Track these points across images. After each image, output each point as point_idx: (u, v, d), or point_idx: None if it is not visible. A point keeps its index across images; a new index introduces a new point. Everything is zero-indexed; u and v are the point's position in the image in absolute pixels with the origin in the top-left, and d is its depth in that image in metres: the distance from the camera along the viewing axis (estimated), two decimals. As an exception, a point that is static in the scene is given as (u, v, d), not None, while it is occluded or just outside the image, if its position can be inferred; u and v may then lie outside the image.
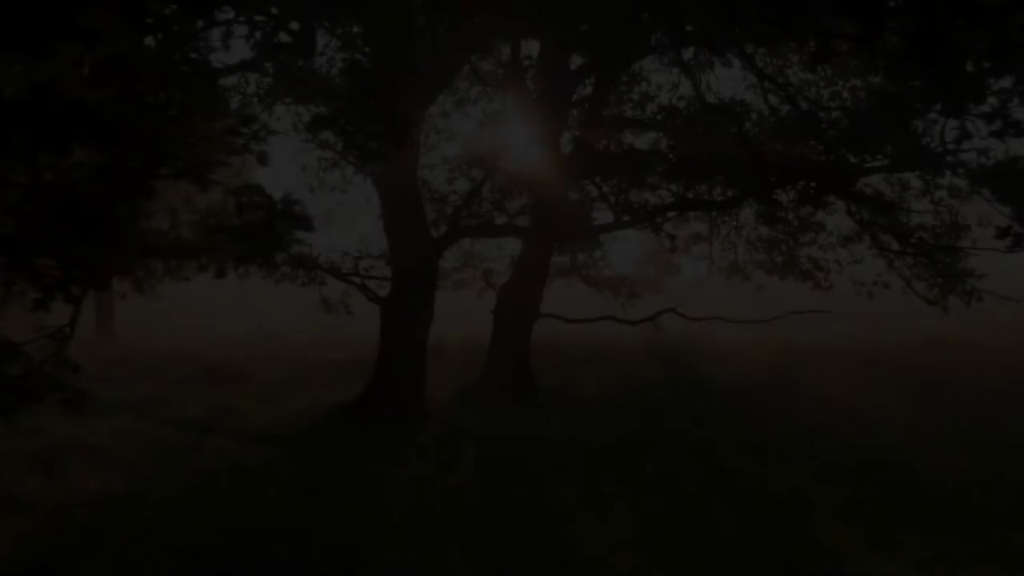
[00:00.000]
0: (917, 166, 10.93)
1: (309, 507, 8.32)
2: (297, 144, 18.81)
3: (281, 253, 2.84)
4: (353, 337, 21.14)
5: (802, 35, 2.95)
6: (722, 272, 20.58)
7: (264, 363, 18.82)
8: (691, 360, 20.44)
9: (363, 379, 14.46)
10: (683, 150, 11.78)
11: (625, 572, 6.69)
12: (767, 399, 15.59)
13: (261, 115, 15.26)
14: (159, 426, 12.50)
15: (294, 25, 5.30)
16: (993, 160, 8.08)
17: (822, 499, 9.25)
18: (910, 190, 16.42)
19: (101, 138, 2.87)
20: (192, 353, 19.46)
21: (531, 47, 16.02)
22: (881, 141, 10.04)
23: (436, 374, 18.20)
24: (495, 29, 10.67)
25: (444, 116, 19.93)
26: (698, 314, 19.08)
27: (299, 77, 9.81)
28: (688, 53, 12.16)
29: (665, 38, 8.90)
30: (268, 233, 2.72)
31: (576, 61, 16.50)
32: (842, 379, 17.72)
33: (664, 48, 10.41)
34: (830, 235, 18.09)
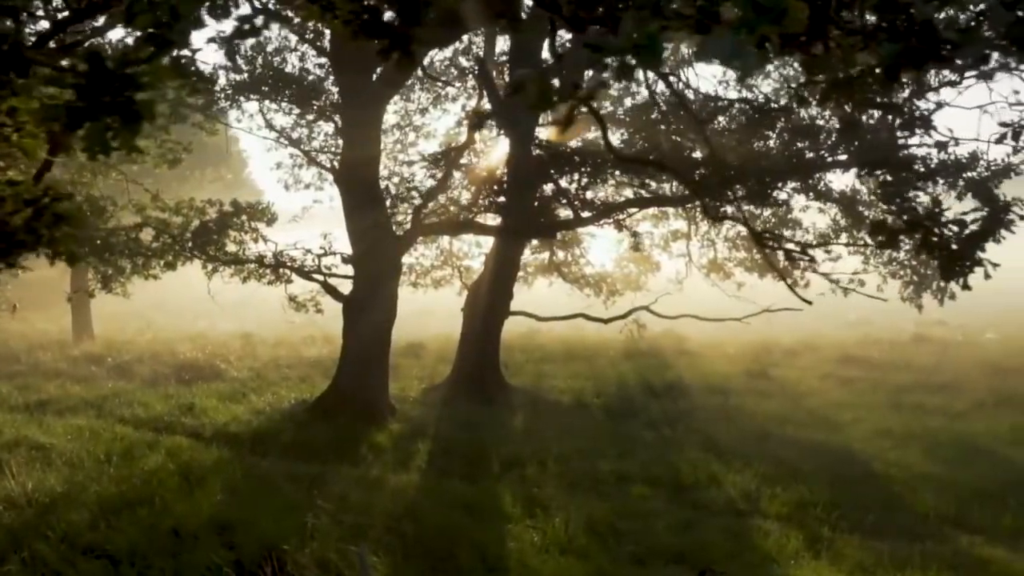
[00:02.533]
0: (874, 163, 10.74)
1: (245, 507, 8.17)
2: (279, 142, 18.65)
3: (43, 251, 2.67)
4: (331, 335, 21.03)
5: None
6: (701, 270, 20.44)
7: (238, 362, 18.72)
8: (668, 358, 20.31)
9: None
10: (642, 146, 11.61)
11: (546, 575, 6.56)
12: (739, 397, 15.45)
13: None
14: (117, 425, 12.38)
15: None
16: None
17: (771, 501, 9.13)
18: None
19: None
20: (167, 352, 19.38)
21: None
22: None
23: (410, 372, 18.16)
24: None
25: (421, 113, 19.87)
26: (675, 312, 18.98)
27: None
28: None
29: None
30: (27, 230, 2.60)
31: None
32: (818, 377, 17.58)
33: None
34: (807, 232, 17.93)
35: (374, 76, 12.59)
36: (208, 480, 9.32)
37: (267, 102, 15.22)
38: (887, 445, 11.62)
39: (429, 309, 26.09)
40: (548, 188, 12.55)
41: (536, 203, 12.70)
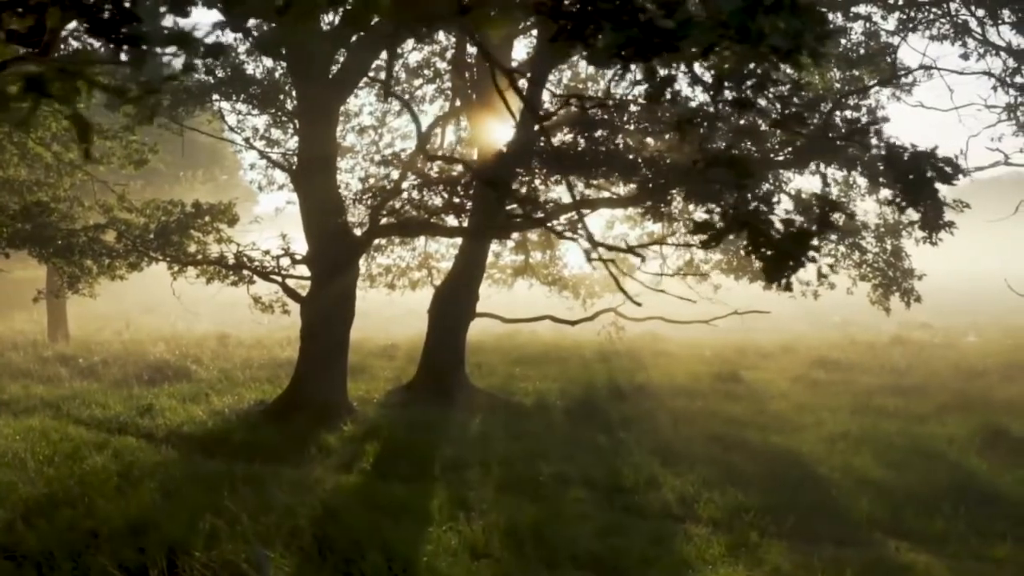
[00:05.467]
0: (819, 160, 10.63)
1: (172, 508, 8.17)
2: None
3: None
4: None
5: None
6: (677, 272, 20.35)
7: (210, 363, 18.75)
8: (644, 360, 20.22)
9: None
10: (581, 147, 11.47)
11: (450, 580, 6.52)
12: (705, 400, 15.35)
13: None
14: (71, 425, 12.38)
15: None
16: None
17: (706, 505, 9.05)
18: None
19: None
20: (140, 353, 19.42)
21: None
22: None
23: (382, 373, 18.17)
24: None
25: (396, 114, 19.94)
26: (649, 314, 18.89)
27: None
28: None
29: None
30: None
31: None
32: (789, 380, 17.48)
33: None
34: (777, 233, 17.82)
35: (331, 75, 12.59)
36: (144, 481, 9.32)
37: (230, 103, 15.25)
38: (839, 448, 11.51)
39: (413, 310, 26.11)
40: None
41: (494, 204, 12.63)
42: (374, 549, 6.94)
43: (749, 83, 4.78)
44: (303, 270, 14.01)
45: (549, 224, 11.57)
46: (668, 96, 3.69)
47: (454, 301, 15.50)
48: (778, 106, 7.92)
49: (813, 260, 3.78)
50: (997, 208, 19.41)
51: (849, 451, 11.38)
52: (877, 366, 18.44)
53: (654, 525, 8.44)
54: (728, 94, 5.25)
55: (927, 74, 15.35)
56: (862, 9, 14.28)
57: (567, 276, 21.69)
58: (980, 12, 12.47)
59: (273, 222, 18.61)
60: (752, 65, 4.10)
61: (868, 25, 14.76)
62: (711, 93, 4.11)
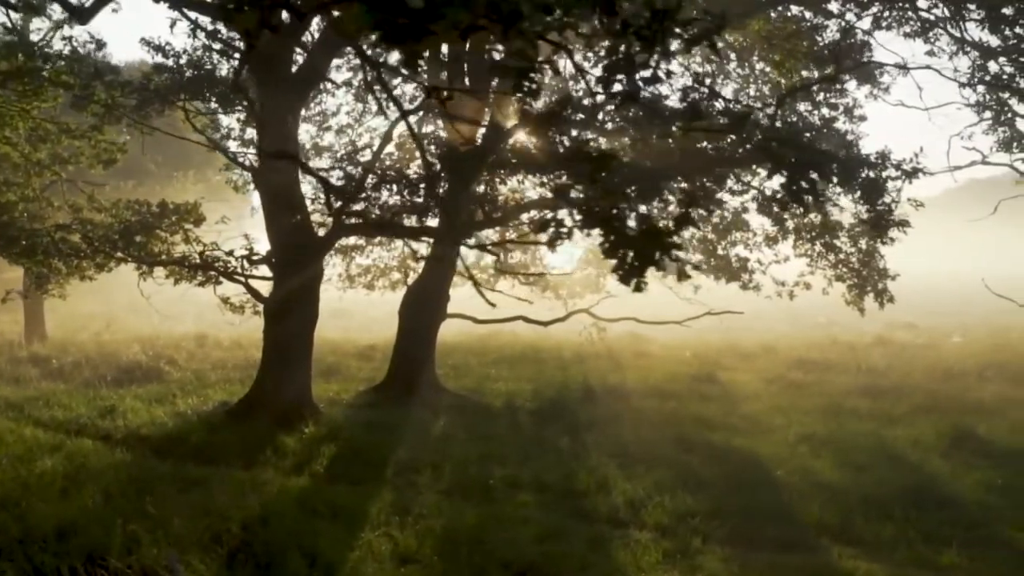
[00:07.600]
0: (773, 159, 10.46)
1: (102, 512, 8.05)
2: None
3: None
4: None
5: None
6: (657, 273, 20.20)
7: (185, 363, 18.65)
8: (623, 361, 20.07)
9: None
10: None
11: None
12: (677, 401, 15.19)
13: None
14: (30, 427, 12.26)
15: None
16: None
17: (654, 509, 8.90)
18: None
19: None
20: (115, 354, 19.32)
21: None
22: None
23: (358, 374, 18.08)
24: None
25: (373, 115, 19.87)
26: (630, 314, 18.81)
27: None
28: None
29: None
30: None
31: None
32: (765, 381, 17.30)
33: None
34: (755, 235, 17.74)
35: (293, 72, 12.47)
36: (93, 482, 9.18)
37: (200, 102, 15.16)
38: (800, 451, 11.34)
39: (397, 310, 26.00)
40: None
41: (452, 204, 12.50)
42: (298, 554, 6.82)
43: (641, 75, 4.65)
44: (266, 271, 13.89)
45: (511, 224, 11.42)
46: (532, 88, 3.54)
47: (424, 302, 15.40)
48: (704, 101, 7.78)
49: (676, 259, 3.62)
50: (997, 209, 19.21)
51: (810, 454, 11.22)
52: (855, 367, 18.25)
53: (597, 530, 8.29)
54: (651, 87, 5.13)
55: (903, 73, 15.20)
56: (834, 7, 14.12)
57: (548, 277, 21.60)
58: (950, 9, 12.29)
59: (250, 222, 18.51)
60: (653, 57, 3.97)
61: (842, 23, 14.62)
62: (599, 86, 3.98)
